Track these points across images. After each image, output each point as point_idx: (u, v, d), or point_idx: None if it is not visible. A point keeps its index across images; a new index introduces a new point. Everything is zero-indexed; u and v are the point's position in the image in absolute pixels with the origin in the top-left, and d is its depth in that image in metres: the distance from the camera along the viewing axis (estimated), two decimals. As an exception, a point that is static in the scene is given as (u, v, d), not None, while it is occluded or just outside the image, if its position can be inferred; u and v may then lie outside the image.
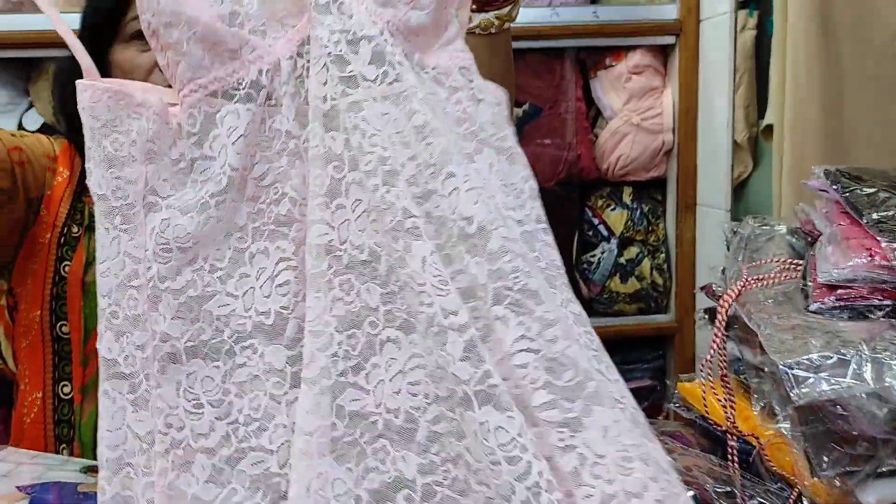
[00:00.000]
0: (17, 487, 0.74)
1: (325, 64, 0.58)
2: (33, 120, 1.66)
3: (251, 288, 0.58)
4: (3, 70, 1.66)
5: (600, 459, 0.50)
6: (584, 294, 1.83)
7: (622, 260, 1.81)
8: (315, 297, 0.56)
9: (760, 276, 0.84)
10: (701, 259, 1.76)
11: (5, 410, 1.11)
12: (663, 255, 1.82)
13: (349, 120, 0.57)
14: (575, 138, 1.76)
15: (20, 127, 1.65)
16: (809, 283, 0.77)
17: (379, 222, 0.56)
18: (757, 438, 0.78)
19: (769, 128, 1.62)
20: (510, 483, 0.49)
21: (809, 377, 0.63)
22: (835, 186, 0.83)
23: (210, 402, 0.56)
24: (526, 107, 1.76)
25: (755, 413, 0.77)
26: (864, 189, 0.83)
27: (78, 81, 0.56)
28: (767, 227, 0.98)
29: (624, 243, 1.81)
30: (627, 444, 0.51)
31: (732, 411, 0.79)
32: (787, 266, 0.87)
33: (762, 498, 0.74)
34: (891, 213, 0.77)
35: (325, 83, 0.57)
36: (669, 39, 1.72)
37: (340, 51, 0.57)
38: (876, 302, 0.72)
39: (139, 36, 0.98)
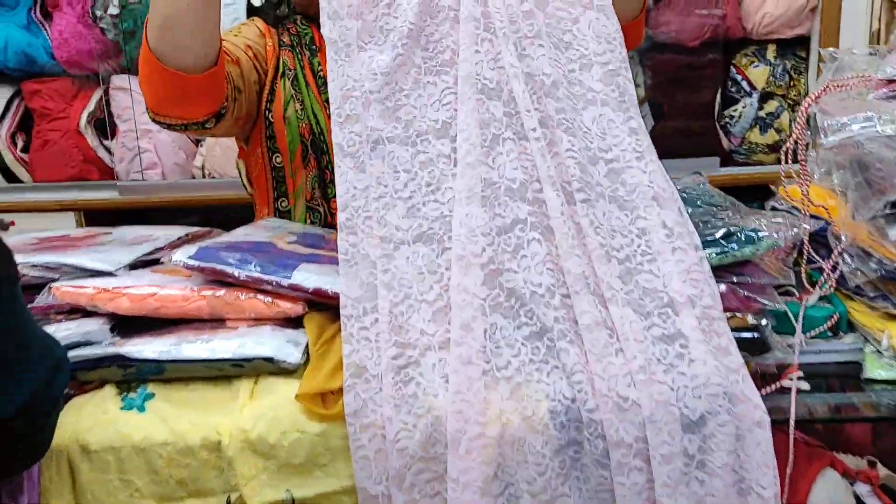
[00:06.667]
0: (289, 232, 1.13)
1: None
2: (258, -2, 2.04)
3: (424, 104, 0.91)
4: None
5: (600, 226, 0.88)
6: (725, 146, 2.02)
7: (762, 113, 1.96)
8: (462, 108, 0.88)
9: (839, 83, 1.03)
10: (839, 112, 1.88)
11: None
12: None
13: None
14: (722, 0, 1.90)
15: (248, 3, 2.03)
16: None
17: (500, 68, 0.90)
18: (826, 209, 1.00)
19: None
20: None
21: (838, 127, 0.85)
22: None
23: (404, 170, 0.89)
24: (675, -31, 1.92)
25: (815, 180, 0.99)
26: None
27: None
28: (868, 51, 1.14)
29: (764, 97, 1.96)
30: (617, 224, 0.88)
31: (807, 187, 0.99)
32: (866, 78, 1.04)
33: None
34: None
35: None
36: None
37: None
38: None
39: None
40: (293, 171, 1.35)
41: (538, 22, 0.92)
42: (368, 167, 0.89)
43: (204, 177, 2.13)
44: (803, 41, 1.95)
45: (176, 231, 1.22)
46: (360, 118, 0.90)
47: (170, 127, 1.15)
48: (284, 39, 1.36)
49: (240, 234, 1.11)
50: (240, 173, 1.45)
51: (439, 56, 0.93)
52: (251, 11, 2.02)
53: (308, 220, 1.35)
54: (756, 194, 2.08)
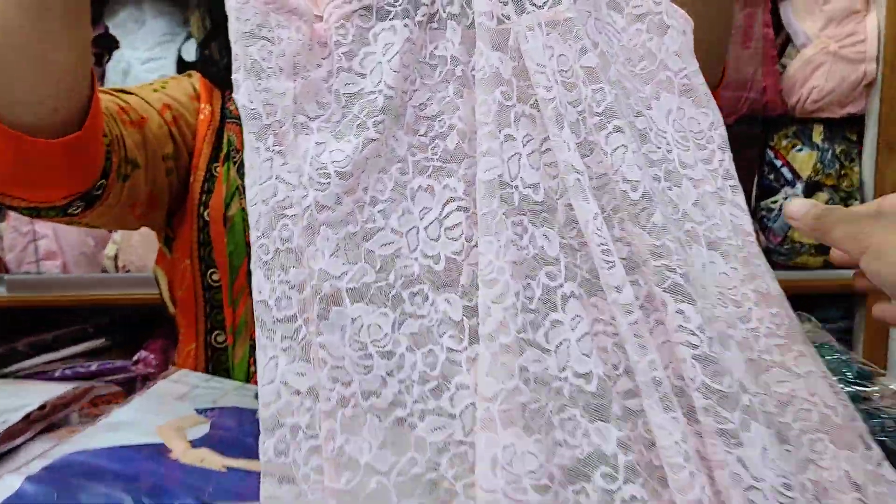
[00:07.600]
0: (197, 410, 0.70)
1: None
2: (191, 52, 1.65)
3: (414, 227, 0.51)
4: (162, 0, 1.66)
5: (757, 483, 0.45)
6: (763, 244, 1.66)
7: (808, 207, 1.62)
8: (487, 240, 0.49)
9: None
10: (904, 208, 1.54)
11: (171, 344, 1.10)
12: (858, 202, 1.62)
13: (517, 44, 0.51)
14: (760, 69, 1.57)
15: (179, 59, 1.65)
16: None
17: (549, 166, 0.51)
18: None
19: None
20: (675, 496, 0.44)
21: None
22: None
23: (379, 354, 0.48)
24: (704, 34, 1.58)
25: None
26: None
27: None
28: None
29: (811, 188, 1.62)
30: (786, 469, 0.46)
31: None
32: None
33: None
34: None
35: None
36: (879, -48, 1.49)
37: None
38: None
39: None
40: (235, 296, 0.93)
41: (609, 89, 0.53)
42: (315, 348, 0.48)
43: (117, 270, 1.70)
44: (853, 121, 1.62)
45: (28, 398, 0.78)
46: (302, 256, 0.49)
47: (14, 209, 0.74)
48: (231, 108, 0.95)
49: (116, 422, 0.68)
50: (158, 286, 1.02)
51: (438, 144, 0.53)
52: (184, 69, 1.63)
53: (252, 368, 0.93)
54: (798, 305, 1.73)
